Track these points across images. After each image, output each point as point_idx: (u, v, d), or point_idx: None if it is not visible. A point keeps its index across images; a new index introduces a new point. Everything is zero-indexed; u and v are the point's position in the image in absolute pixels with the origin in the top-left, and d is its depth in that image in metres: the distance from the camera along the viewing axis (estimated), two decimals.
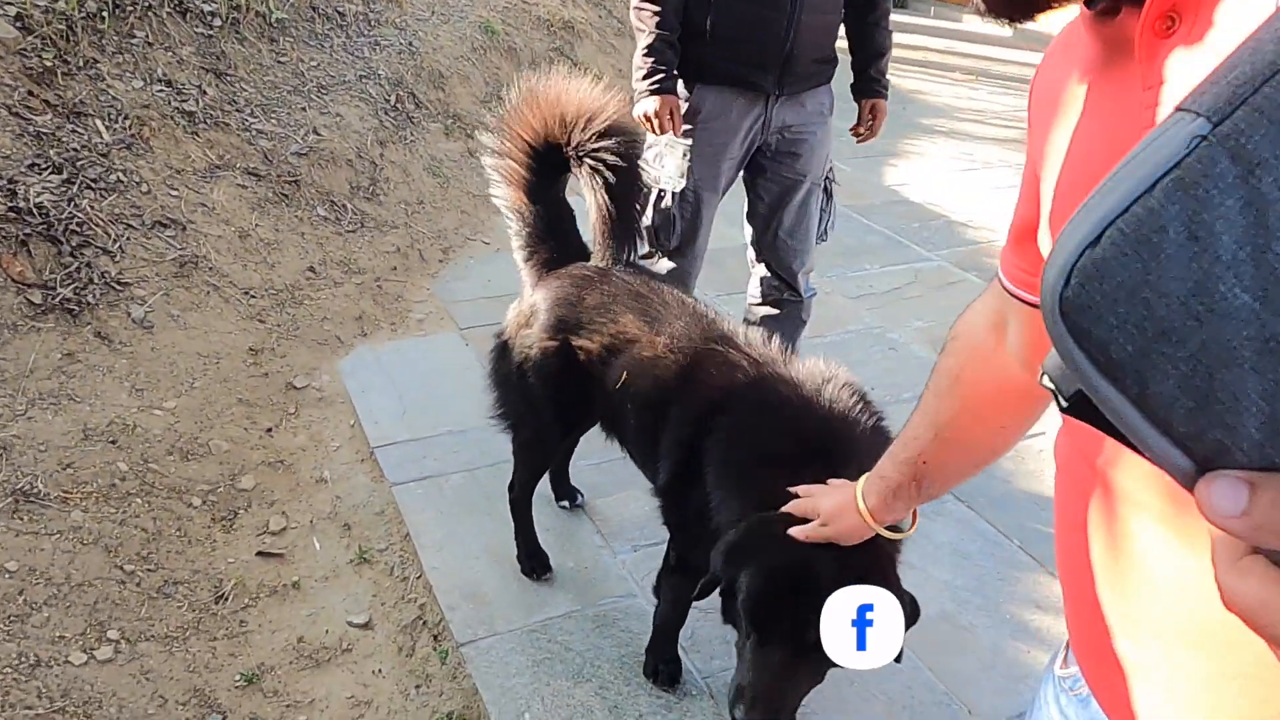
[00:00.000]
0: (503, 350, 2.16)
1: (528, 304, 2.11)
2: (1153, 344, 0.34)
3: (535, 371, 2.03)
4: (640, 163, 2.60)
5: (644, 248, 2.72)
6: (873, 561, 1.35)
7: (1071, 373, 0.37)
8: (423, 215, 4.09)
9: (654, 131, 2.51)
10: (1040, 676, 0.88)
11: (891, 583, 1.40)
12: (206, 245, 3.23)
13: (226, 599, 2.30)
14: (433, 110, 4.62)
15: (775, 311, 2.85)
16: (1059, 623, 2.29)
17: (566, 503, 2.56)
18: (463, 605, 2.25)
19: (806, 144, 2.66)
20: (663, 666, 2.05)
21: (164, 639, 2.16)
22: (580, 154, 2.09)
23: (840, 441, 1.57)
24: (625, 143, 2.09)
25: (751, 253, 2.86)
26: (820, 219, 2.80)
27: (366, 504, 2.61)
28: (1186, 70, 0.55)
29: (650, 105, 2.46)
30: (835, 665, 1.41)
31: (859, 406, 1.65)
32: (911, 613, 1.43)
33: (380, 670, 2.17)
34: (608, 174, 2.07)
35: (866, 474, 1.22)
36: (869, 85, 2.76)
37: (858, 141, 2.87)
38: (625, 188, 2.10)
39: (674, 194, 2.63)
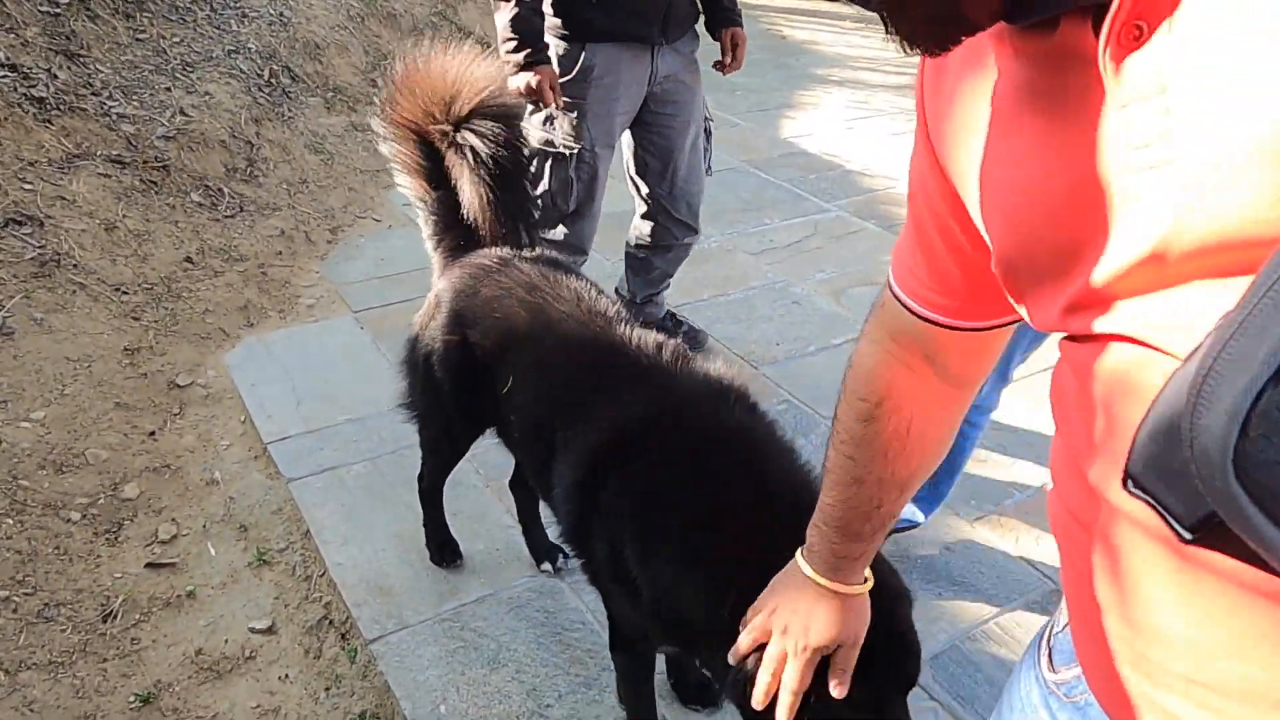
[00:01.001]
0: (413, 341, 2.04)
1: (433, 294, 2.00)
2: None
3: (440, 366, 1.92)
4: (527, 129, 2.57)
5: (535, 216, 2.66)
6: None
7: (1232, 521, 0.33)
8: (307, 195, 3.91)
9: (533, 103, 2.49)
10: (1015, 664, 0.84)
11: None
12: (69, 241, 3.02)
13: (115, 616, 2.17)
14: (311, 84, 4.41)
15: (666, 251, 2.97)
16: (971, 568, 2.34)
17: (548, 565, 2.26)
18: (370, 600, 2.17)
19: (688, 88, 2.74)
20: None
21: (47, 666, 2.03)
22: (460, 134, 1.96)
23: (770, 478, 1.38)
24: (506, 119, 1.97)
25: (642, 205, 2.88)
26: (705, 156, 2.90)
27: (263, 503, 2.49)
28: (1174, 75, 0.49)
29: (527, 79, 2.43)
30: None
31: (768, 425, 1.51)
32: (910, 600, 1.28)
33: (287, 675, 2.08)
34: (489, 154, 1.94)
35: (807, 566, 1.03)
36: (723, 15, 2.79)
37: (724, 74, 2.87)
38: (511, 167, 1.98)
39: (570, 156, 2.61)
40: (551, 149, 2.63)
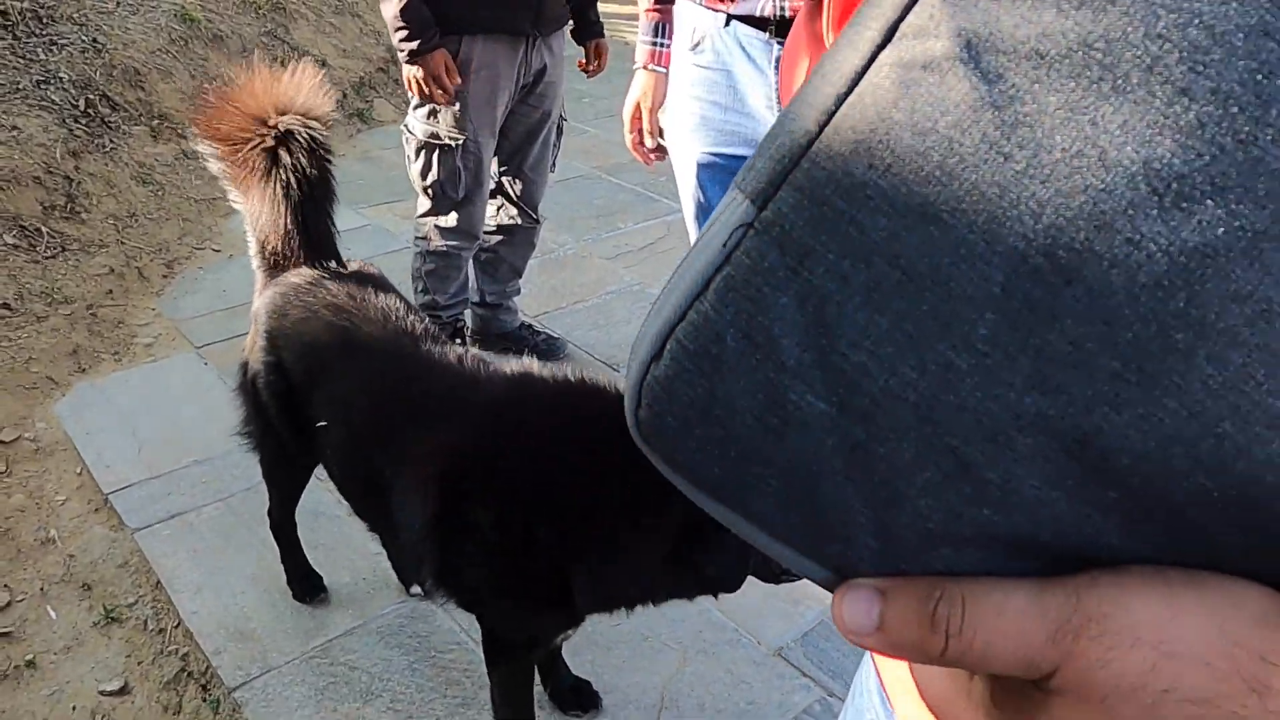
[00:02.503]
0: (243, 366, 1.97)
1: (252, 313, 1.94)
2: (740, 465, 0.30)
3: (264, 388, 1.86)
4: (407, 125, 2.77)
5: (424, 206, 2.83)
6: None
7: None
8: (137, 229, 3.71)
9: (424, 96, 2.60)
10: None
11: None
12: None
13: None
14: (133, 112, 4.18)
15: (509, 239, 3.05)
16: None
17: (417, 589, 2.16)
18: (230, 646, 2.08)
19: (553, 85, 2.85)
20: None
21: None
22: (261, 153, 1.88)
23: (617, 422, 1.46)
24: (315, 138, 1.91)
25: (491, 185, 2.95)
26: (553, 154, 3.03)
27: (107, 557, 2.34)
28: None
29: (420, 70, 2.53)
30: None
31: (596, 385, 1.52)
32: None
33: None
34: (296, 173, 1.87)
35: None
36: (590, 27, 2.98)
37: (589, 76, 3.07)
38: (318, 184, 1.92)
39: (456, 146, 2.69)
40: (436, 141, 2.71)
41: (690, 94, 2.03)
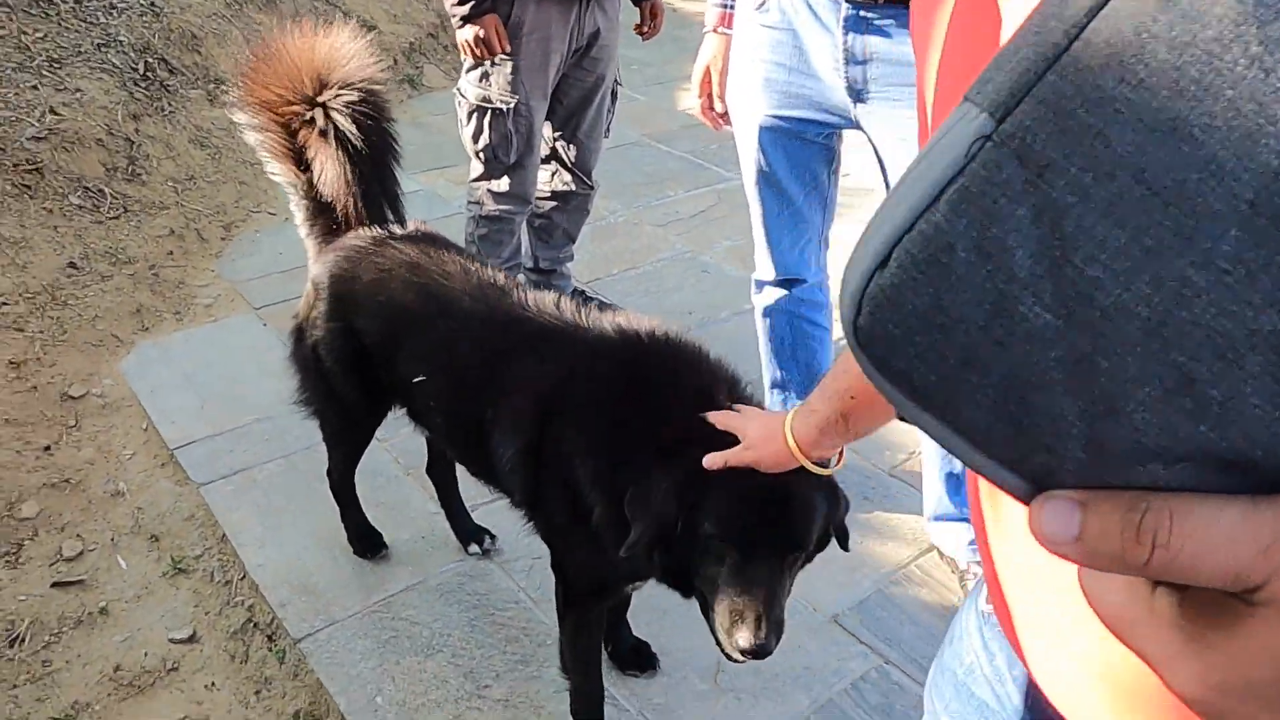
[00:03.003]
0: (298, 333, 1.99)
1: (311, 281, 1.95)
2: (957, 372, 0.30)
3: (327, 356, 1.88)
4: (459, 88, 2.77)
5: (477, 171, 2.83)
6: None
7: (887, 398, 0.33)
8: (196, 192, 3.76)
9: (479, 57, 2.61)
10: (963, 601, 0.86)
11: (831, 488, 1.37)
12: None
13: (23, 641, 2.07)
14: (190, 76, 4.22)
15: (564, 205, 3.04)
16: (890, 515, 2.41)
17: (475, 548, 2.25)
18: (295, 600, 2.12)
19: (606, 49, 2.83)
20: None
21: None
22: (316, 113, 1.87)
23: (702, 382, 1.46)
24: (372, 96, 1.91)
25: (544, 150, 2.95)
26: (607, 119, 3.01)
27: (173, 511, 2.40)
28: None
29: (473, 32, 2.54)
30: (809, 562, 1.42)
31: (686, 346, 1.55)
32: (846, 508, 1.42)
33: (213, 683, 2.02)
34: (354, 132, 1.86)
35: (796, 406, 1.16)
36: None
37: (644, 39, 3.06)
38: (377, 144, 1.93)
39: (508, 110, 2.69)
40: (488, 105, 2.70)
41: (754, 55, 2.00)
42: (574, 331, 1.59)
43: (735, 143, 2.17)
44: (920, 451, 2.61)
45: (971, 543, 2.13)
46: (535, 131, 2.79)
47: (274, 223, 3.79)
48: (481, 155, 2.78)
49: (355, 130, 1.84)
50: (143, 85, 3.95)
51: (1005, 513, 0.59)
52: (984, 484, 0.62)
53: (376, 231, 1.89)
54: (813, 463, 1.17)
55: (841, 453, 1.25)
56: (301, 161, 1.97)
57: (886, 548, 2.31)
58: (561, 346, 1.57)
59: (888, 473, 2.55)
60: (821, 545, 1.41)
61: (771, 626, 1.28)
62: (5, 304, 2.87)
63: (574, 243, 3.16)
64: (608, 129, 3.03)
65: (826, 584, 2.19)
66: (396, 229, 1.91)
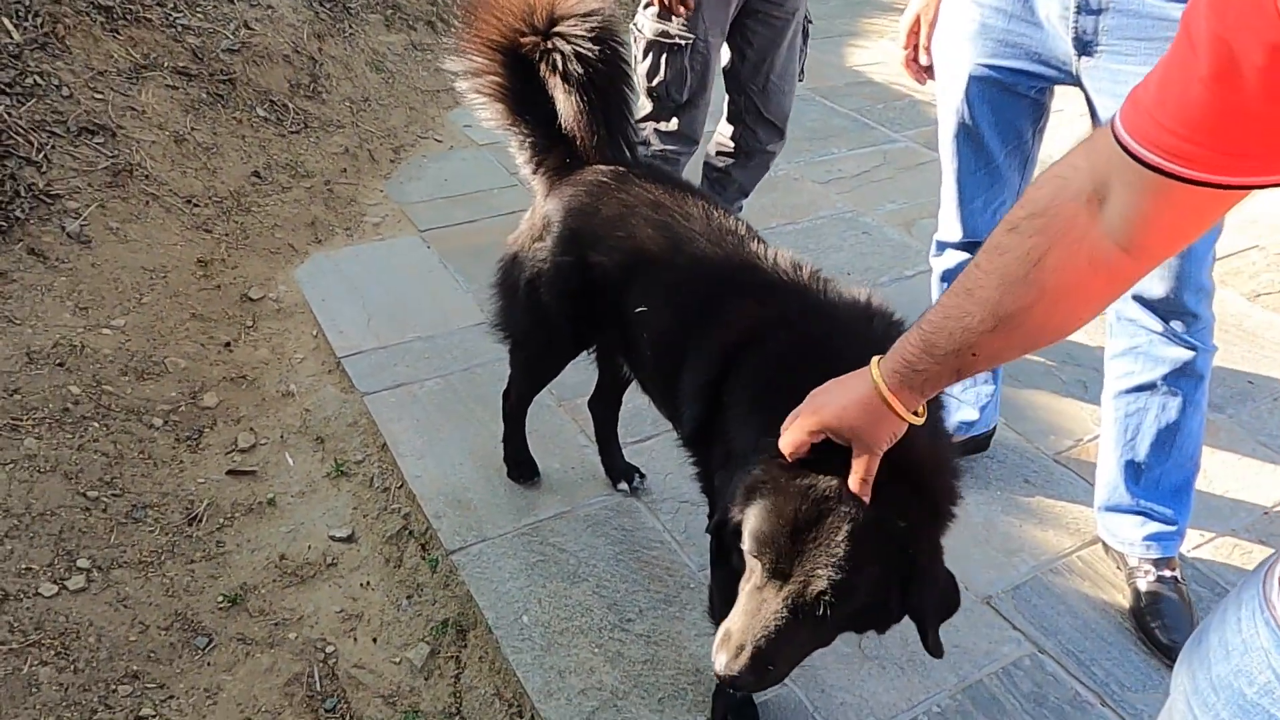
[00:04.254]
0: (513, 262, 1.97)
1: (540, 215, 1.92)
2: None
3: (548, 288, 1.87)
4: (636, 23, 2.67)
5: (646, 109, 2.73)
6: (897, 506, 1.19)
7: None
8: (369, 113, 3.87)
9: (667, 7, 2.51)
10: (1235, 589, 0.77)
11: (923, 542, 1.25)
12: (140, 152, 3.01)
13: (200, 520, 2.20)
14: (370, 0, 4.33)
15: (745, 161, 2.93)
16: (1053, 501, 2.30)
17: (625, 485, 2.26)
18: (449, 513, 2.18)
19: None
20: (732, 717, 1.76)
21: (138, 565, 2.07)
22: (550, 42, 1.85)
23: None
24: (602, 27, 1.88)
25: (730, 105, 2.85)
26: (800, 58, 2.86)
27: (338, 415, 2.50)
28: None
29: None
30: (850, 629, 1.30)
31: (874, 305, 1.51)
32: (946, 602, 1.31)
33: (368, 583, 2.11)
34: (584, 61, 1.83)
35: (879, 363, 1.08)
36: None
37: None
38: (609, 76, 1.90)
39: (685, 46, 2.60)
40: (666, 40, 2.62)
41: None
42: (800, 289, 1.57)
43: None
44: (1087, 440, 2.48)
45: (1146, 537, 2.01)
46: (710, 69, 2.71)
47: (440, 149, 3.87)
48: (654, 94, 2.71)
49: (597, 59, 1.82)
50: (327, 5, 4.07)
51: None
52: None
53: (616, 169, 1.87)
54: (902, 403, 1.08)
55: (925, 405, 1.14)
56: (523, 99, 1.93)
57: (1047, 534, 2.21)
58: (784, 299, 1.55)
59: (1052, 458, 2.43)
60: (886, 617, 1.30)
61: (750, 662, 1.19)
62: (197, 206, 3.02)
63: (746, 196, 3.10)
64: (801, 70, 2.88)
65: (980, 564, 2.11)
66: (634, 167, 1.90)
